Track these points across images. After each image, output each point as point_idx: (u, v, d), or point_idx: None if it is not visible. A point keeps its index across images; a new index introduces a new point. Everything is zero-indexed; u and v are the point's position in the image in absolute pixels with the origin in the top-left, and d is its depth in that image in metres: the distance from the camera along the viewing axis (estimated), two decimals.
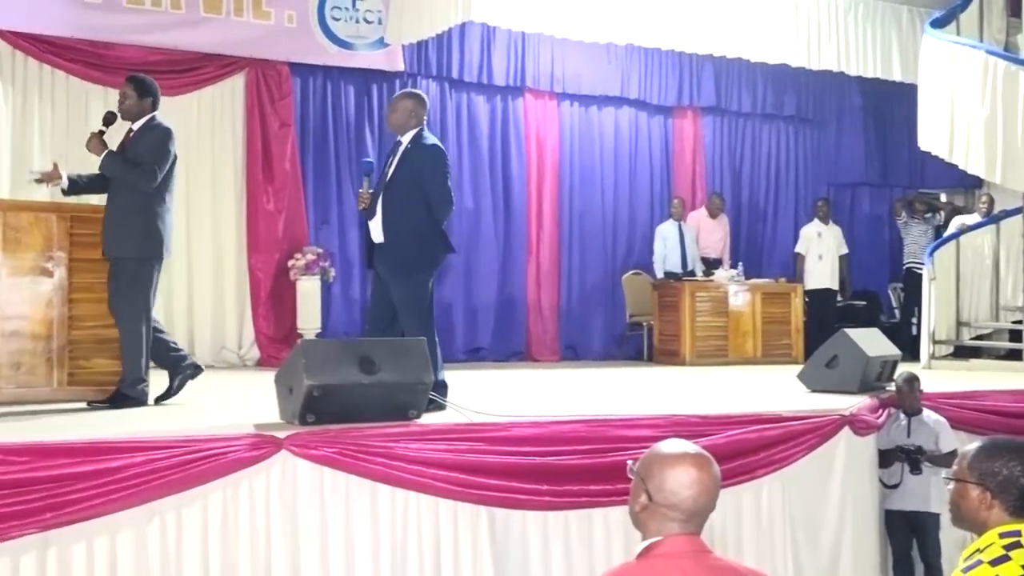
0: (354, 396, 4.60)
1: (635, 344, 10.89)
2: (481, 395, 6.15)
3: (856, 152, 12.47)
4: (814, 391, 6.63)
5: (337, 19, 9.61)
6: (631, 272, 10.97)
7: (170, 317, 8.93)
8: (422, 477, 4.40)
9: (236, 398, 6.47)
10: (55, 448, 3.87)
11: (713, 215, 11.15)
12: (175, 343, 6.06)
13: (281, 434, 4.26)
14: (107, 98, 8.84)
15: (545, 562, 4.67)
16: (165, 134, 5.71)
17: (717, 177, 11.77)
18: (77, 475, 3.81)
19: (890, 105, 11.80)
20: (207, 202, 9.22)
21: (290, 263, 9.27)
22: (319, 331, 9.26)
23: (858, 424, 5.62)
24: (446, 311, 10.13)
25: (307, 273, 9.23)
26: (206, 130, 9.28)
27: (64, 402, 5.51)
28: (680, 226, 10.78)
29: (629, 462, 2.44)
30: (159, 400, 5.74)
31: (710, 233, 11.14)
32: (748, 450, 5.11)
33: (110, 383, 5.92)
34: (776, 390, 7.07)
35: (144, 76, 6.09)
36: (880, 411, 5.90)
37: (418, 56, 10.05)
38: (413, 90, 6.30)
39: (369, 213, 5.69)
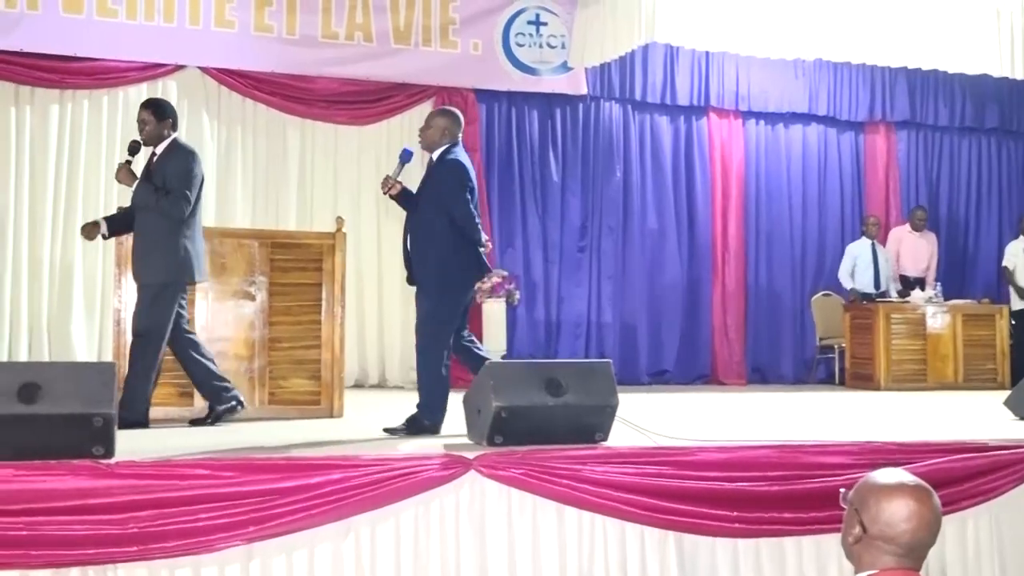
0: (541, 418, 4.62)
1: (826, 368, 10.56)
2: (667, 418, 6.09)
3: None
4: (1023, 419, 6.27)
5: (521, 45, 9.77)
6: (821, 293, 10.65)
7: (362, 340, 9.25)
8: (608, 500, 4.37)
9: None
10: (259, 464, 4.04)
11: (917, 228, 10.65)
12: (221, 373, 5.83)
13: (470, 455, 4.32)
14: (304, 129, 9.29)
15: None
16: (189, 156, 5.71)
17: (912, 194, 11.30)
18: (279, 490, 3.96)
19: None
20: (396, 227, 9.35)
21: (476, 286, 9.39)
22: (504, 353, 9.36)
23: None
24: (629, 333, 10.10)
25: (493, 296, 9.36)
26: (395, 156, 9.44)
27: (266, 420, 5.74)
28: (874, 245, 10.40)
29: (841, 490, 2.39)
30: (194, 423, 5.70)
31: (915, 250, 10.63)
32: (951, 480, 4.84)
33: (307, 402, 6.18)
34: (980, 417, 6.71)
35: (160, 99, 6.17)
36: None
37: (601, 79, 10.09)
38: (448, 108, 6.12)
39: (404, 230, 5.67)
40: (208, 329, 6.08)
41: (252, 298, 6.18)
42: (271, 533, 3.93)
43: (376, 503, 4.11)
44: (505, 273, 9.49)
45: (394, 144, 9.53)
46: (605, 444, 4.72)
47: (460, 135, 5.67)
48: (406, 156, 5.73)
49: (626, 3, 8.59)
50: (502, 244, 9.79)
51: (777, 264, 10.72)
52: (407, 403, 7.64)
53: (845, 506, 2.31)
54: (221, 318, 6.14)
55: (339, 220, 6.59)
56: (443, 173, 5.50)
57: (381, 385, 9.28)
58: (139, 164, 5.92)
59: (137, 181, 5.66)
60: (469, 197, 5.45)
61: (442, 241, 5.40)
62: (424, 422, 5.32)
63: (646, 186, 10.30)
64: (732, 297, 10.50)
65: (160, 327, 5.53)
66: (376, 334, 9.40)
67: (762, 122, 10.81)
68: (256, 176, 9.12)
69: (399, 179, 5.59)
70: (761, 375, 10.53)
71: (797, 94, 10.76)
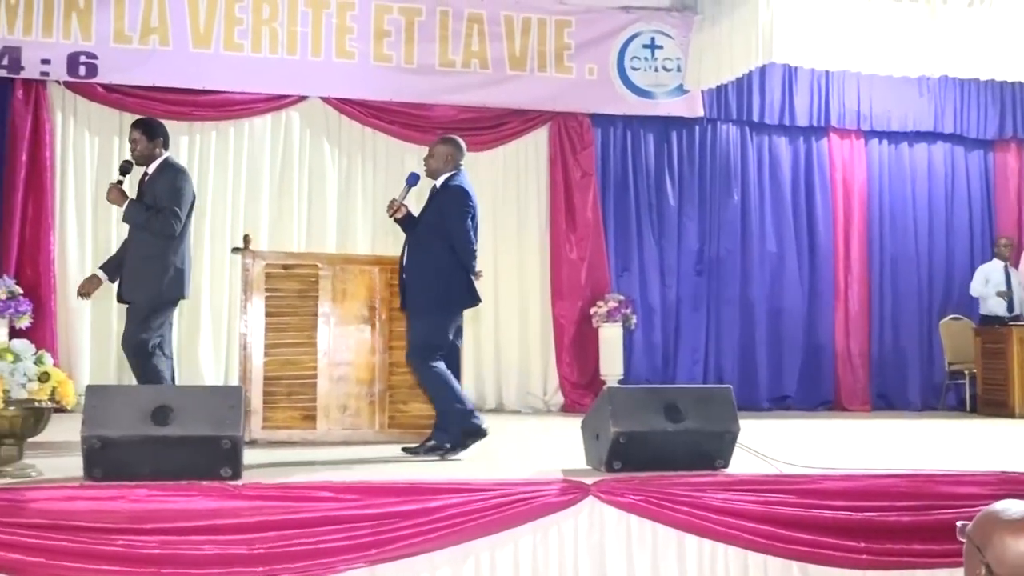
0: (660, 444, 4.57)
1: (956, 394, 10.19)
2: (789, 445, 5.96)
3: None
4: None
5: (636, 69, 9.75)
6: (949, 317, 10.29)
7: (479, 365, 9.31)
8: (730, 528, 4.30)
9: (543, 443, 6.60)
10: (380, 488, 4.09)
11: None
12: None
13: (588, 480, 4.29)
14: (422, 156, 9.32)
15: None
16: (179, 175, 5.74)
17: None
18: (400, 514, 4.01)
19: None
20: (513, 251, 9.56)
21: (592, 310, 9.41)
22: (621, 377, 9.31)
23: None
24: (749, 358, 9.93)
25: (609, 320, 9.33)
26: (511, 182, 9.66)
27: (386, 443, 5.81)
28: (1006, 267, 10.02)
29: (959, 523, 2.16)
30: None
31: None
32: None
33: (426, 426, 6.19)
34: None
35: (151, 119, 6.16)
36: None
37: (717, 101, 9.99)
38: (451, 136, 6.09)
39: (400, 254, 5.67)
40: (330, 354, 6.19)
41: (373, 323, 6.28)
42: (392, 556, 3.97)
43: (494, 528, 4.12)
44: (621, 297, 9.44)
45: (510, 170, 9.65)
46: (726, 471, 4.64)
47: (462, 162, 5.73)
48: (413, 180, 5.74)
49: (743, 24, 8.51)
50: (618, 268, 9.75)
51: (903, 287, 10.42)
52: (525, 427, 7.71)
53: (963, 540, 2.11)
54: (343, 343, 6.26)
55: None
56: (446, 198, 5.56)
57: (498, 409, 9.32)
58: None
59: (127, 201, 5.69)
60: (470, 224, 5.50)
61: (436, 267, 5.46)
62: (445, 444, 5.38)
63: (765, 209, 10.14)
64: (856, 321, 10.23)
65: (151, 342, 5.58)
66: (492, 359, 9.45)
67: (885, 141, 10.54)
68: (376, 203, 9.27)
69: (405, 202, 5.65)
70: (887, 401, 10.22)
71: (922, 112, 10.47)
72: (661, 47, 9.81)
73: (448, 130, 9.40)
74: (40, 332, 8.17)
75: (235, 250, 6.46)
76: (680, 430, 4.60)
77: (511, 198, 9.63)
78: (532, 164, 9.71)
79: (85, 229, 8.75)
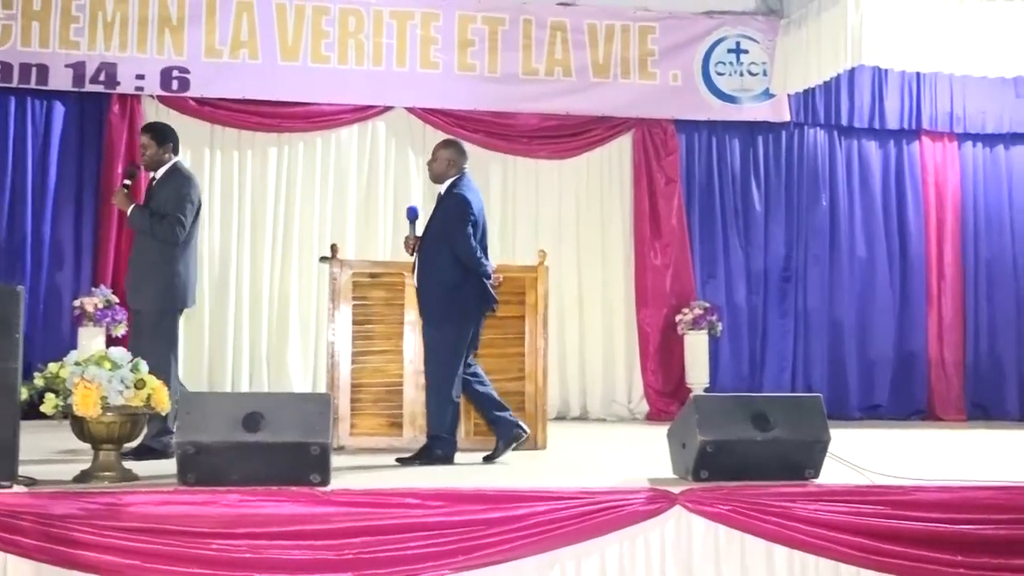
0: (748, 453, 4.52)
1: None
2: (881, 455, 5.84)
3: None
4: None
5: (721, 74, 9.66)
6: None
7: (563, 372, 9.30)
8: (821, 540, 4.23)
9: (629, 452, 6.56)
10: (467, 495, 4.11)
11: None
12: None
13: (675, 489, 4.26)
14: (505, 164, 9.48)
15: None
16: (185, 182, 5.66)
17: None
18: (485, 521, 4.03)
19: None
20: (596, 259, 9.53)
21: (677, 318, 9.33)
22: (707, 386, 9.22)
23: None
24: (838, 366, 9.75)
25: (694, 328, 9.24)
26: (595, 189, 9.63)
27: (472, 451, 5.84)
28: None
29: None
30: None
31: None
32: None
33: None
34: None
35: (161, 124, 6.11)
36: None
37: (805, 105, 9.83)
38: (453, 139, 6.10)
39: (413, 265, 5.71)
40: (416, 361, 6.23)
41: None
42: (477, 563, 3.99)
43: (580, 536, 4.11)
44: (707, 304, 9.35)
45: (594, 177, 9.63)
46: (816, 481, 4.56)
47: (466, 165, 5.74)
48: (413, 214, 5.77)
49: (831, 27, 8.37)
50: (703, 275, 9.65)
51: (999, 294, 10.11)
52: (610, 436, 7.69)
53: None
54: None
55: (541, 253, 6.66)
56: (447, 207, 5.59)
57: (583, 418, 9.29)
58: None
59: (132, 206, 5.62)
60: (471, 231, 5.52)
61: (445, 274, 5.49)
62: (436, 452, 5.43)
63: (854, 213, 9.95)
64: (949, 328, 9.97)
65: (167, 355, 5.42)
66: (577, 366, 9.43)
67: (980, 144, 10.26)
68: None
69: (416, 235, 5.70)
70: (983, 411, 9.93)
71: (1019, 113, 10.16)
72: (746, 51, 9.70)
73: (531, 137, 9.50)
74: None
75: (323, 259, 6.56)
76: (769, 439, 4.54)
77: (595, 205, 9.61)
78: (616, 171, 9.67)
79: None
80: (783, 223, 9.81)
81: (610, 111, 9.50)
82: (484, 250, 5.69)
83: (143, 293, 5.58)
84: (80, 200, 8.82)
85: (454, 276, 5.50)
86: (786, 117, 9.76)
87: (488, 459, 5.62)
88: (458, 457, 5.56)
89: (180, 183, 5.63)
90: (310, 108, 9.13)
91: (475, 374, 5.74)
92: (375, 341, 6.30)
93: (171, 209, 5.53)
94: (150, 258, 5.56)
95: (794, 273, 9.80)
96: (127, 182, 5.77)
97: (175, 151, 5.77)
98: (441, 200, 5.70)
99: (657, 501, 4.20)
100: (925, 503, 4.39)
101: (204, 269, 8.87)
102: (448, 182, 5.69)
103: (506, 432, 5.66)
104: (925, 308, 9.97)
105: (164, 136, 5.75)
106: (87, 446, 4.48)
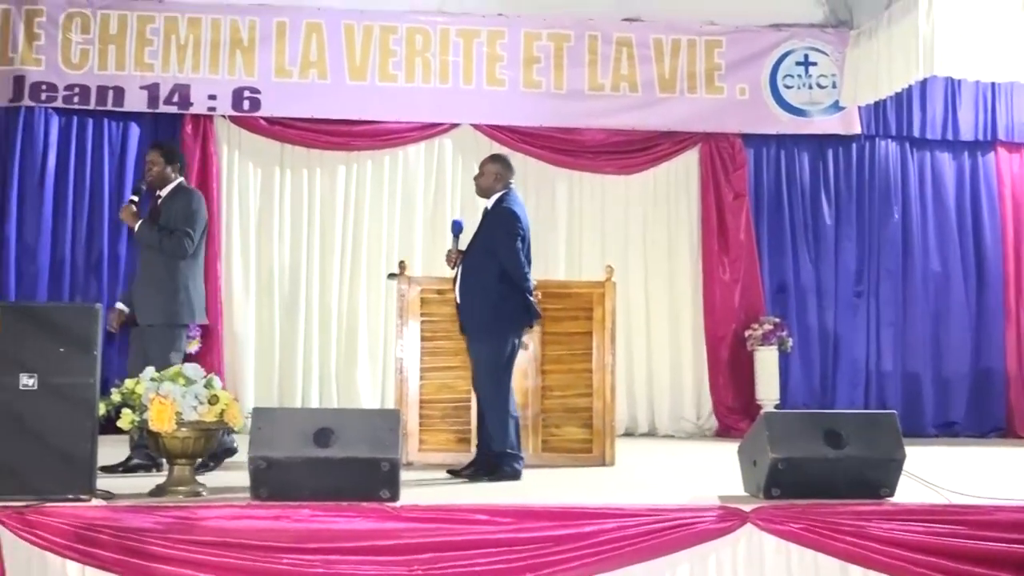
0: (820, 471, 4.45)
1: None
2: (958, 473, 5.71)
3: None
4: None
5: (790, 87, 9.56)
6: None
7: (631, 388, 9.25)
8: (897, 560, 4.13)
9: (698, 468, 6.50)
10: (535, 511, 4.10)
11: None
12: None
13: (746, 507, 4.21)
14: (571, 180, 9.48)
15: None
16: (194, 198, 5.73)
17: None
18: (554, 538, 4.01)
19: None
20: (664, 274, 9.48)
21: (747, 333, 9.23)
22: (777, 402, 9.10)
23: None
24: (912, 382, 9.56)
25: (764, 343, 9.14)
26: (661, 204, 9.58)
27: (539, 467, 5.82)
28: None
29: None
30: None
31: None
32: None
33: (580, 450, 6.25)
34: None
35: (169, 142, 6.15)
36: None
37: (875, 117, 9.69)
38: (499, 154, 6.15)
39: (454, 278, 5.72)
40: None
41: (525, 347, 6.30)
42: None
43: (650, 554, 4.07)
44: (776, 320, 9.24)
45: (660, 192, 9.58)
46: (891, 500, 4.48)
47: (512, 180, 5.77)
48: (457, 228, 5.87)
49: (902, 37, 8.24)
50: (772, 290, 9.54)
51: None
52: (678, 452, 7.63)
53: None
54: None
55: (608, 269, 6.64)
56: (495, 221, 5.61)
57: (651, 433, 9.23)
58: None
59: (140, 221, 5.68)
60: (520, 245, 5.54)
61: (491, 289, 5.50)
62: (505, 468, 5.42)
63: (927, 227, 9.76)
64: None
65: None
66: (645, 383, 9.37)
67: None
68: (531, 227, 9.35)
69: (459, 249, 5.77)
70: None
71: None
72: (815, 64, 9.60)
73: (597, 153, 9.49)
74: (208, 357, 8.52)
75: (391, 276, 6.62)
76: (842, 457, 4.46)
77: (661, 220, 9.56)
78: (683, 186, 9.62)
79: (249, 257, 9.10)
80: (854, 237, 9.66)
81: (677, 126, 9.45)
82: (528, 264, 5.71)
83: (151, 308, 5.64)
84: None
85: (499, 290, 5.53)
86: (856, 130, 9.63)
87: (454, 473, 5.59)
88: (526, 473, 5.54)
89: (188, 199, 5.74)
90: (378, 126, 9.23)
91: None
92: (443, 357, 6.33)
93: (179, 224, 5.61)
94: (157, 273, 5.63)
95: (866, 288, 9.65)
96: (134, 198, 5.78)
97: (182, 171, 5.88)
98: (488, 214, 5.73)
99: (728, 519, 4.15)
100: (1005, 523, 4.28)
101: (275, 286, 9.03)
102: (495, 197, 5.73)
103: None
104: (1003, 323, 9.73)
105: (172, 155, 5.86)
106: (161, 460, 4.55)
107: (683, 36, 9.48)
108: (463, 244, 5.83)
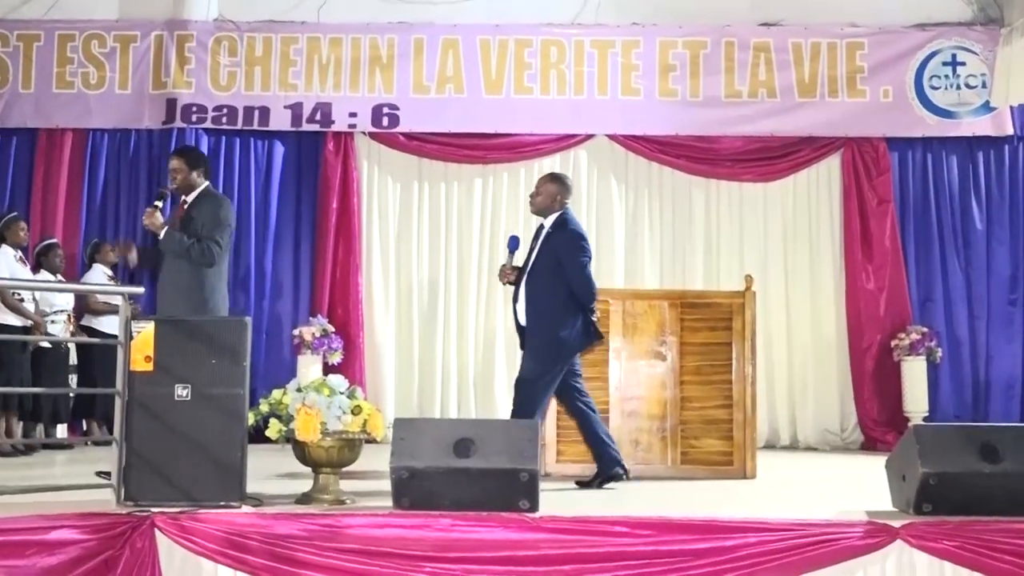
0: (975, 486, 4.26)
1: None
2: None
3: None
4: None
5: (936, 88, 9.25)
6: None
7: (771, 400, 9.06)
8: None
9: (844, 482, 6.32)
10: (676, 524, 4.05)
11: None
12: None
13: (896, 523, 4.06)
14: (708, 189, 9.36)
15: None
16: (221, 204, 5.57)
17: None
18: (695, 551, 3.95)
19: None
20: (805, 283, 9.27)
21: (893, 343, 8.94)
22: (926, 415, 8.78)
23: None
24: None
25: (912, 353, 8.83)
26: (802, 212, 9.37)
27: (678, 479, 5.75)
28: None
29: None
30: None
31: None
32: None
33: (719, 463, 6.15)
34: None
35: (192, 148, 5.93)
36: None
37: None
38: (557, 173, 6.09)
39: (514, 297, 5.62)
40: (621, 388, 6.23)
41: (663, 358, 6.26)
42: None
43: (794, 570, 3.97)
44: (925, 329, 8.92)
45: (801, 199, 9.39)
46: None
47: (569, 200, 5.72)
48: (514, 245, 5.85)
49: None
50: (919, 298, 9.22)
51: None
52: (822, 465, 7.44)
53: None
54: (633, 378, 6.28)
55: (748, 278, 6.52)
56: (562, 241, 5.56)
57: (793, 447, 9.03)
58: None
59: (165, 228, 5.47)
60: (590, 267, 5.54)
61: (555, 310, 5.46)
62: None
63: None
64: None
65: None
66: (786, 394, 9.17)
67: None
68: (663, 237, 9.30)
69: (514, 265, 5.75)
70: None
71: None
72: (963, 63, 9.25)
73: (735, 161, 9.35)
74: (350, 367, 8.73)
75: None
76: (998, 472, 4.26)
77: (802, 228, 9.35)
78: (824, 192, 9.39)
79: (389, 270, 9.29)
80: (1007, 243, 9.25)
81: (817, 131, 9.25)
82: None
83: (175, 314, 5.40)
84: (298, 234, 9.30)
85: (564, 313, 5.49)
86: (1009, 131, 9.24)
87: (582, 484, 5.55)
88: (668, 485, 5.49)
89: (216, 206, 5.57)
90: (513, 139, 9.31)
91: (588, 403, 5.71)
92: (580, 368, 6.31)
93: (207, 231, 5.46)
94: (182, 281, 5.47)
95: (1021, 295, 9.23)
96: (158, 203, 5.56)
97: (206, 175, 5.71)
98: (549, 235, 5.66)
99: (876, 535, 4.01)
100: None
101: (413, 298, 9.19)
102: (553, 216, 5.68)
103: (608, 468, 5.56)
104: None
105: (195, 160, 5.71)
106: (305, 469, 4.67)
107: (823, 39, 9.27)
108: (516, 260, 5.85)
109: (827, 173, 9.40)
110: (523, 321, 5.62)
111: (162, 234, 5.45)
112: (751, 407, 6.28)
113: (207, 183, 5.70)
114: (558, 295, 5.51)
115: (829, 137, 9.27)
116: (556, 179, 5.86)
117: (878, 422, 8.97)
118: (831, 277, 9.29)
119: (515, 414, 5.56)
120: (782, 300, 9.21)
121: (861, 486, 5.60)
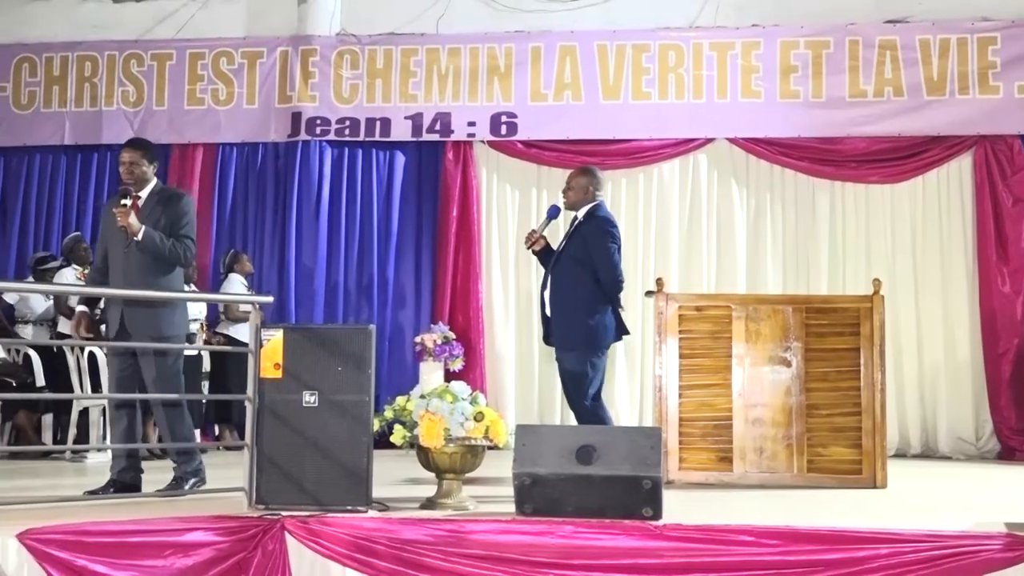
0: None
1: None
2: None
3: None
4: None
5: None
6: None
7: (902, 406, 8.80)
8: None
9: (981, 493, 6.10)
10: (804, 534, 3.96)
11: None
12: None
13: None
14: (833, 191, 9.15)
15: None
16: (189, 203, 5.38)
17: None
18: (823, 562, 3.86)
19: None
20: (936, 287, 8.96)
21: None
22: None
23: None
24: None
25: None
26: (932, 214, 9.07)
27: (805, 488, 5.63)
28: None
29: None
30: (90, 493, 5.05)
31: None
32: None
33: (848, 471, 6.01)
34: None
35: (145, 139, 5.73)
36: None
37: None
38: (588, 167, 6.03)
39: (542, 284, 5.75)
40: (744, 395, 6.13)
41: (788, 364, 6.14)
42: None
43: None
44: None
45: (930, 201, 9.09)
46: None
47: (600, 191, 5.77)
48: (554, 212, 5.97)
49: None
50: None
51: None
52: (957, 475, 7.20)
53: None
54: (757, 384, 6.17)
55: (876, 282, 6.35)
56: (592, 230, 5.60)
57: (925, 455, 8.73)
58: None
59: (144, 228, 5.16)
60: (618, 255, 5.55)
61: (584, 303, 5.49)
62: None
63: None
64: None
65: (178, 385, 5.31)
66: (917, 401, 8.88)
67: None
68: (786, 241, 9.12)
69: (544, 234, 5.78)
70: None
71: None
72: None
73: (860, 162, 9.12)
74: (471, 374, 8.80)
75: (648, 293, 6.60)
76: None
77: (932, 230, 9.04)
78: (955, 193, 9.06)
79: (508, 277, 9.35)
80: None
81: (947, 130, 8.94)
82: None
83: (152, 320, 5.20)
84: (419, 242, 9.44)
85: (594, 304, 5.58)
86: None
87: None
88: (794, 494, 5.38)
89: (183, 203, 5.35)
90: (632, 144, 9.26)
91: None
92: (702, 375, 6.24)
93: (177, 229, 5.26)
94: (154, 283, 5.21)
95: None
96: (126, 202, 5.18)
97: (155, 170, 5.45)
98: (580, 224, 5.75)
99: (1017, 547, 3.86)
100: None
101: (533, 305, 9.21)
102: (585, 208, 5.79)
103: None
104: None
105: (153, 153, 5.44)
106: (428, 474, 4.73)
107: (952, 35, 8.97)
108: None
109: (958, 173, 9.08)
110: (548, 312, 5.73)
111: (141, 234, 5.14)
112: (880, 414, 6.10)
113: (156, 179, 5.44)
114: (587, 288, 5.61)
115: (960, 136, 8.95)
116: (586, 172, 5.96)
117: (1016, 431, 8.60)
118: (963, 280, 8.96)
119: (580, 417, 5.67)
120: (911, 304, 8.93)
121: (999, 496, 5.40)
